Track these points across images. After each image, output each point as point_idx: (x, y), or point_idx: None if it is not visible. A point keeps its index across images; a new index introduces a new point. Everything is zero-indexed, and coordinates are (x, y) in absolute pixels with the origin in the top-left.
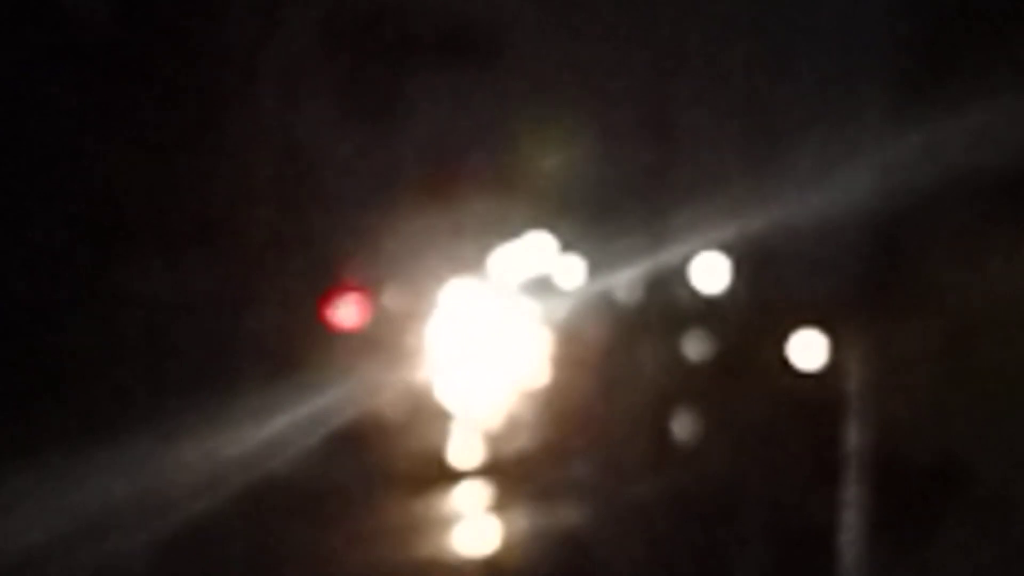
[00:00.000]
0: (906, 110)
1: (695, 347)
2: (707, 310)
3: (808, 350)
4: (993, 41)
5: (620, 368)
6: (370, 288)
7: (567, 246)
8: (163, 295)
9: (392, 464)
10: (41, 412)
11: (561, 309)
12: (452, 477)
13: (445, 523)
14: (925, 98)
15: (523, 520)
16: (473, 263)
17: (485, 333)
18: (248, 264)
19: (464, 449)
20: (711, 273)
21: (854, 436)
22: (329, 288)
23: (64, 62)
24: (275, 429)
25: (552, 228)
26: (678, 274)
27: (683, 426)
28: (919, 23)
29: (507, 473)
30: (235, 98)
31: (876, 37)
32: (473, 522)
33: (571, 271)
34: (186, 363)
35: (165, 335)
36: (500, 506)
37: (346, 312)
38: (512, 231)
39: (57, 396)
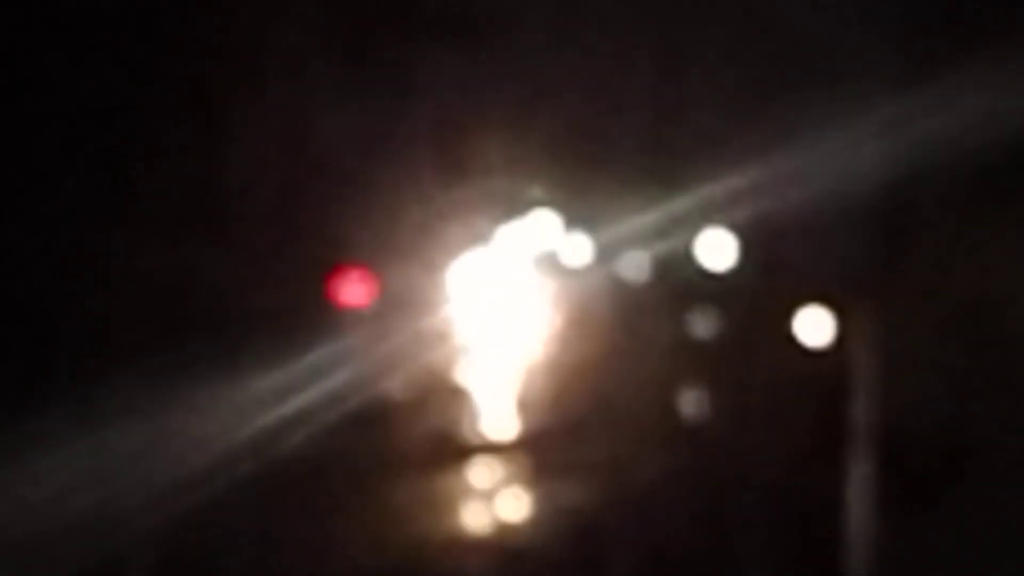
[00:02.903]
0: (915, 89)
1: (702, 325)
2: (714, 288)
3: (815, 328)
4: (1002, 22)
5: (628, 346)
6: (378, 266)
7: (574, 224)
8: (169, 275)
9: (401, 442)
10: (46, 393)
11: (568, 287)
12: (461, 455)
13: (455, 501)
14: (935, 77)
15: (532, 498)
16: (481, 241)
17: (493, 311)
18: (255, 243)
19: (472, 427)
20: (718, 251)
21: (860, 413)
22: (336, 266)
23: (62, 36)
24: (283, 409)
25: (559, 206)
26: (685, 252)
27: (690, 403)
28: (929, 3)
29: (516, 451)
30: (241, 76)
31: (885, 18)
32: (483, 500)
33: (579, 249)
34: (193, 343)
35: (172, 315)
36: (509, 484)
37: (354, 290)
38: (519, 209)
39: (63, 376)
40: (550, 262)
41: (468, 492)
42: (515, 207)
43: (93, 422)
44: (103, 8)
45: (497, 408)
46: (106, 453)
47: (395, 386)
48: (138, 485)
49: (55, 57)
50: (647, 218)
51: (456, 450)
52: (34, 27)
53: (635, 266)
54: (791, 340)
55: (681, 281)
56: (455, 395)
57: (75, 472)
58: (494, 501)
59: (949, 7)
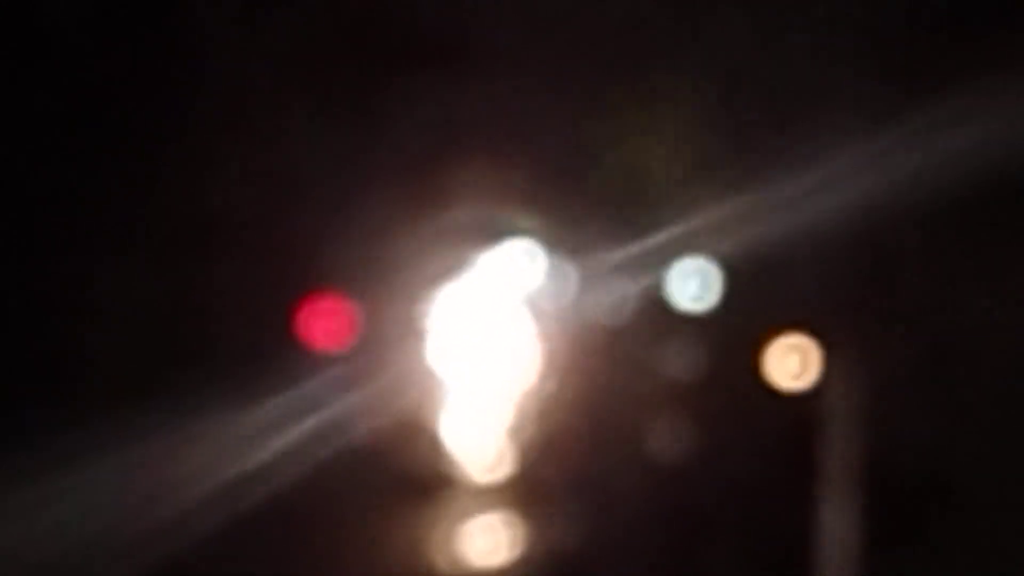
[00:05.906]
0: (898, 124)
1: (679, 361)
2: (692, 323)
3: (795, 361)
4: (985, 51)
5: (606, 379)
6: (354, 298)
7: (555, 254)
8: (143, 308)
9: (381, 480)
10: (24, 426)
11: (548, 318)
12: (442, 492)
13: (437, 539)
14: (917, 111)
15: (514, 533)
16: (457, 271)
17: (473, 343)
18: (223, 273)
19: (449, 462)
20: (699, 284)
21: (839, 451)
22: (312, 299)
23: (42, 57)
24: (262, 446)
25: (537, 236)
26: (664, 284)
27: (669, 439)
28: (909, 35)
29: (496, 487)
30: (214, 101)
31: (867, 53)
32: (464, 537)
33: (559, 279)
34: (157, 378)
35: (144, 349)
36: (490, 519)
37: (329, 324)
38: (497, 238)
39: (40, 409)
40: (530, 293)
41: (449, 529)
42: (494, 237)
43: (69, 457)
44: (79, 39)
45: (474, 442)
46: (83, 490)
47: (374, 422)
48: (116, 524)
49: (34, 84)
50: (627, 249)
51: (437, 487)
52: (13, 46)
53: (615, 297)
54: (771, 373)
55: (660, 313)
56: (429, 429)
57: (56, 507)
58: (476, 537)
59: (927, 44)
